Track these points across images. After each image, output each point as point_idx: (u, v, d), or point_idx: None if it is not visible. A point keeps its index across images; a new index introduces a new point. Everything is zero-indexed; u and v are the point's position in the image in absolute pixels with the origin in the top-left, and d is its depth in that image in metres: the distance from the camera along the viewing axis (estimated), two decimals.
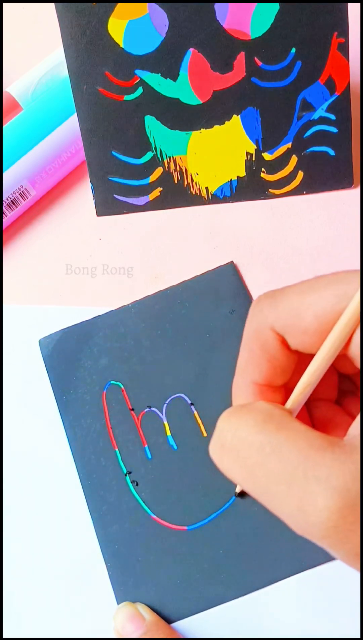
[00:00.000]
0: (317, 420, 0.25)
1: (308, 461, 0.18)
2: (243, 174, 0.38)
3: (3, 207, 0.37)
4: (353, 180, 0.38)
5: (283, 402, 0.23)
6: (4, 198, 0.37)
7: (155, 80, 0.36)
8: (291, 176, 0.38)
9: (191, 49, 0.35)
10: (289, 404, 0.22)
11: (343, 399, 0.26)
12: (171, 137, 0.37)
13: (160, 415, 0.33)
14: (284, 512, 0.18)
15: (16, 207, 0.38)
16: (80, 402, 0.34)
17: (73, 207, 0.39)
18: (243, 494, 0.32)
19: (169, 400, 0.34)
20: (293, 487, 0.18)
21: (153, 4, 0.34)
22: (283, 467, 0.18)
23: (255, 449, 0.19)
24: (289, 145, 0.37)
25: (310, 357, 0.22)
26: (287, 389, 0.24)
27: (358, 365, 0.21)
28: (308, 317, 0.20)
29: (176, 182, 0.38)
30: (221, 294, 0.35)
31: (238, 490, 0.32)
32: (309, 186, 0.38)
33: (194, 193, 0.38)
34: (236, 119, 0.37)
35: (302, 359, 0.23)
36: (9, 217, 0.38)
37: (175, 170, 0.38)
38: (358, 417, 0.20)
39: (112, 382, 0.34)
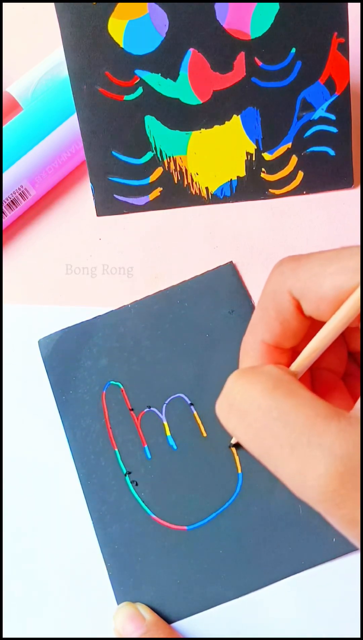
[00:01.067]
0: (318, 387, 0.25)
1: (313, 428, 0.18)
2: (243, 174, 0.38)
3: (3, 207, 0.37)
4: (353, 180, 0.38)
5: (289, 365, 0.24)
6: (4, 198, 0.37)
7: (155, 80, 0.36)
8: (291, 176, 0.38)
9: (191, 49, 0.35)
10: (294, 366, 0.23)
11: (347, 379, 0.26)
12: (171, 137, 0.37)
13: (160, 415, 0.33)
14: (284, 473, 0.19)
15: (16, 207, 0.38)
16: (80, 402, 0.34)
17: (73, 207, 0.39)
18: (237, 445, 0.32)
19: (168, 400, 0.34)
20: (296, 451, 0.18)
21: (153, 4, 0.34)
22: (288, 432, 0.19)
23: (262, 412, 0.20)
24: (289, 145, 0.37)
25: (321, 325, 0.22)
26: (294, 353, 0.24)
27: None
28: (327, 285, 0.21)
29: (176, 182, 0.38)
30: (221, 294, 0.35)
31: (233, 441, 0.32)
32: (309, 186, 0.38)
33: (194, 193, 0.38)
34: (236, 119, 0.37)
35: (313, 326, 0.23)
36: (9, 217, 0.38)
37: (175, 170, 0.38)
38: None
39: (111, 382, 0.34)
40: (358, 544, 0.19)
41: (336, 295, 0.21)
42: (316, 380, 0.25)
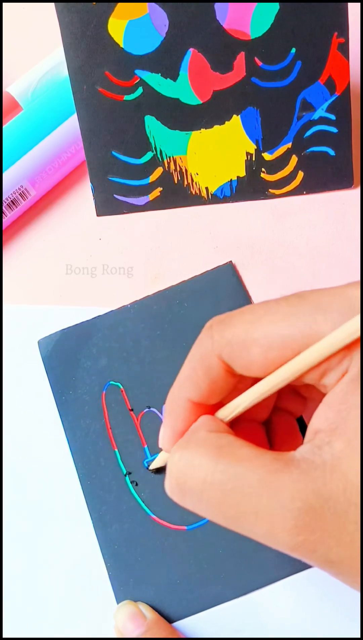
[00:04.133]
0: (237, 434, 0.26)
1: (269, 488, 0.19)
2: (243, 174, 0.38)
3: (3, 207, 0.37)
4: (353, 181, 0.38)
5: (212, 414, 0.24)
6: (4, 198, 0.37)
7: (155, 80, 0.36)
8: (291, 176, 0.38)
9: (191, 49, 0.35)
10: (220, 414, 0.23)
11: (277, 416, 0.27)
12: (171, 137, 0.37)
13: (160, 415, 0.33)
14: (255, 536, 0.20)
15: (16, 207, 0.38)
16: (79, 402, 0.34)
17: (73, 207, 0.39)
18: (159, 470, 0.32)
19: None
20: (261, 515, 0.19)
21: (153, 4, 0.34)
22: (247, 499, 0.19)
23: (217, 488, 0.20)
24: (289, 145, 0.37)
25: (249, 378, 0.22)
26: (219, 403, 0.24)
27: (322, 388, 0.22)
28: (255, 351, 0.21)
29: (176, 182, 0.38)
30: (220, 294, 0.35)
31: (153, 467, 0.32)
32: (309, 186, 0.38)
33: (194, 193, 0.38)
34: (236, 119, 0.37)
35: (242, 380, 0.23)
36: (9, 217, 0.38)
37: (175, 170, 0.38)
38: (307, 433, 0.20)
39: (111, 382, 0.34)
40: (339, 579, 0.19)
41: (265, 360, 0.21)
42: (234, 427, 0.25)
